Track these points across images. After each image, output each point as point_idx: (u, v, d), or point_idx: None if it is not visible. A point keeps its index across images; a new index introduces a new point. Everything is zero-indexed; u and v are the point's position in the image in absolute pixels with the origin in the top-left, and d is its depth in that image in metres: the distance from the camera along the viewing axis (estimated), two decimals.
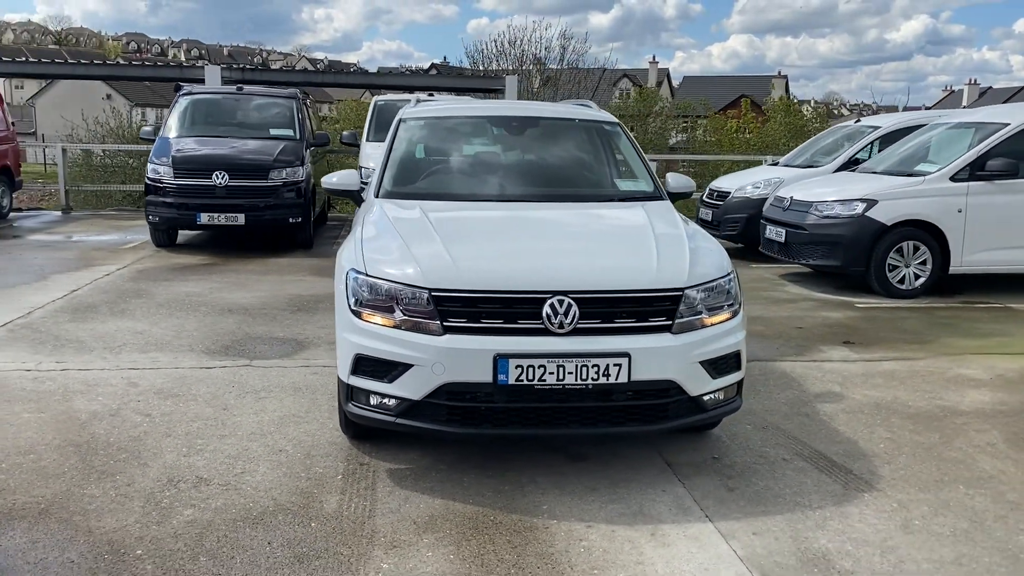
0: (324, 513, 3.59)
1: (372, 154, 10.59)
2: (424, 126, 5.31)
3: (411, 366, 3.67)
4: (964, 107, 37.18)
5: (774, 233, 9.14)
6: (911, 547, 3.40)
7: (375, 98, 13.47)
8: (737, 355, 4.01)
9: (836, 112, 65.04)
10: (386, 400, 3.76)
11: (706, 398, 3.93)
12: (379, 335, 3.74)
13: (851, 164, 10.56)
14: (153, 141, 11.17)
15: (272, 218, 10.34)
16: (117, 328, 6.55)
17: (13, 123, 14.45)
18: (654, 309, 3.78)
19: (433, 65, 42.25)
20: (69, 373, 5.38)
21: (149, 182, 10.48)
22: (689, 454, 4.31)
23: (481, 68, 24.87)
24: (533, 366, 3.59)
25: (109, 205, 16.07)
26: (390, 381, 3.72)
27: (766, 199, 9.91)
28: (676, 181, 5.23)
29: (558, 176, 5.06)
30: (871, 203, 8.33)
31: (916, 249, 8.35)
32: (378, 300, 3.79)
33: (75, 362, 5.62)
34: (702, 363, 3.83)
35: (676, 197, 5.27)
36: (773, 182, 10.69)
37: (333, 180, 5.05)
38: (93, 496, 3.70)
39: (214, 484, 3.85)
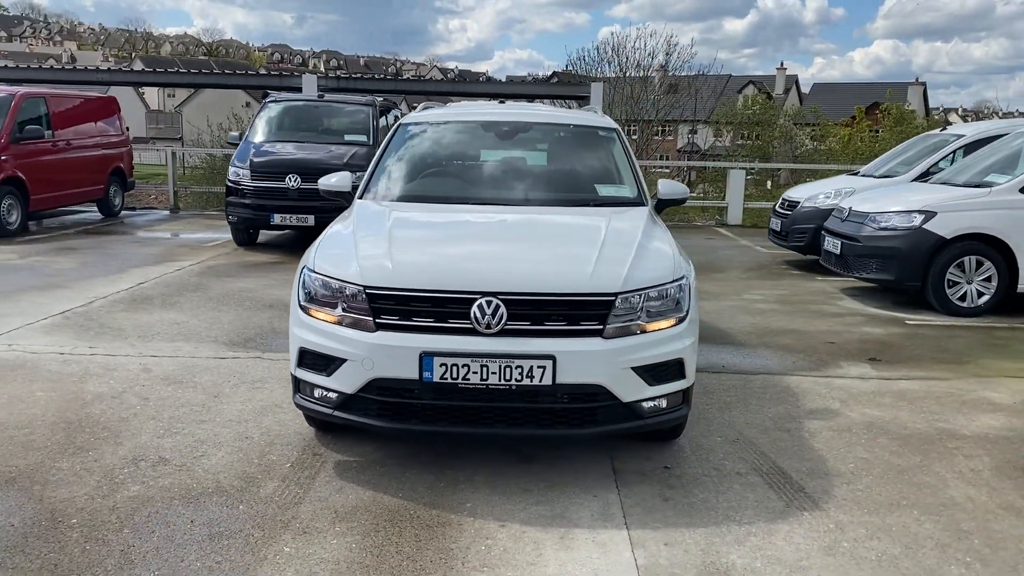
0: (257, 497, 3.77)
1: None
2: (419, 131, 5.45)
3: (345, 360, 3.81)
4: None
5: (831, 245, 8.80)
6: (825, 569, 3.27)
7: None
8: (679, 363, 3.95)
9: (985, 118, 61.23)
10: (326, 393, 3.91)
11: (645, 405, 3.89)
12: (320, 330, 3.90)
13: (930, 174, 10.03)
14: (237, 145, 11.81)
15: None
16: (159, 319, 7.00)
17: (127, 128, 15.53)
18: (585, 313, 3.78)
19: (555, 73, 42.64)
20: (95, 358, 5.80)
21: (230, 184, 11.10)
22: (641, 462, 4.26)
23: (582, 74, 24.92)
24: (457, 365, 3.66)
25: (214, 205, 17.03)
26: (328, 375, 3.87)
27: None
28: (666, 188, 5.17)
29: (539, 180, 5.10)
30: (929, 215, 7.91)
31: (979, 265, 7.86)
32: (324, 296, 3.94)
33: (105, 348, 6.05)
34: (635, 369, 3.80)
35: (667, 204, 5.21)
36: (844, 192, 10.27)
37: (332, 181, 5.25)
38: (60, 469, 4.01)
39: (171, 465, 4.10)
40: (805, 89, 69.99)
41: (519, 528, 3.55)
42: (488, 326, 3.69)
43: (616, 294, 3.80)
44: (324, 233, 4.44)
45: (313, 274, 4.02)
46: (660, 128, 49.90)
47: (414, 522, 3.58)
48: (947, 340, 7.00)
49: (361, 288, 3.82)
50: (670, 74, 34.41)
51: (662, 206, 5.22)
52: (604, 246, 4.10)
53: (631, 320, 3.84)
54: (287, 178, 10.65)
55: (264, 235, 11.92)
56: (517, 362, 3.65)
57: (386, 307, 3.79)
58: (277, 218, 10.75)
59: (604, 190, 5.02)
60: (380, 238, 4.18)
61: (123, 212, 15.08)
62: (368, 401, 3.82)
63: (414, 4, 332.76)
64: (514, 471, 4.11)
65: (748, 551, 3.40)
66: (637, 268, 3.96)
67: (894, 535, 3.56)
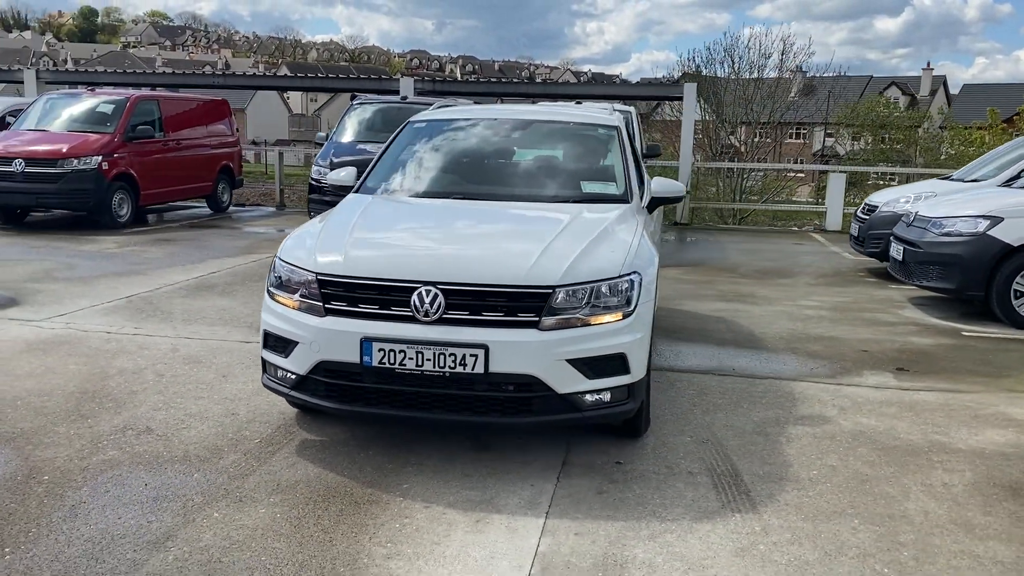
0: (215, 467, 4.04)
1: None
2: (424, 129, 5.63)
3: (297, 343, 4.03)
4: None
5: (895, 251, 8.42)
6: (726, 569, 3.23)
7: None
8: (621, 357, 3.95)
9: None
10: (285, 373, 4.14)
11: (586, 398, 3.92)
12: (281, 314, 4.14)
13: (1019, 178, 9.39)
14: (322, 145, 12.38)
15: None
16: (210, 305, 7.48)
17: (237, 129, 16.49)
18: (522, 304, 3.85)
19: (685, 74, 42.08)
20: (135, 337, 6.28)
21: (312, 182, 11.65)
22: (594, 456, 4.28)
23: (690, 75, 24.51)
24: (394, 350, 3.81)
25: None
26: (286, 356, 4.10)
27: None
28: (659, 186, 5.15)
29: (524, 177, 5.17)
30: (995, 220, 7.45)
31: None
32: (287, 283, 4.18)
33: (148, 329, 6.54)
34: (571, 361, 3.84)
35: (661, 202, 5.19)
36: (925, 196, 9.77)
37: (340, 175, 5.49)
38: (56, 432, 4.41)
39: (154, 434, 4.43)
40: (954, 90, 66.05)
41: (441, 510, 3.66)
42: (426, 314, 3.82)
43: (553, 287, 3.85)
44: (303, 224, 4.69)
45: (280, 261, 4.26)
46: (794, 130, 48.43)
47: (345, 499, 3.75)
48: (996, 353, 6.59)
49: (315, 275, 4.03)
50: (804, 75, 33.38)
51: (655, 204, 5.19)
52: (556, 240, 4.15)
53: (572, 313, 3.88)
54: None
55: None
56: (450, 350, 3.76)
57: (335, 294, 3.98)
58: None
59: (589, 187, 5.04)
60: (343, 229, 4.39)
61: (232, 208, 16.03)
62: (318, 383, 4.02)
63: (551, 8, 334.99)
64: (465, 458, 4.21)
65: (656, 547, 3.38)
66: (582, 262, 3.99)
67: (818, 542, 3.45)
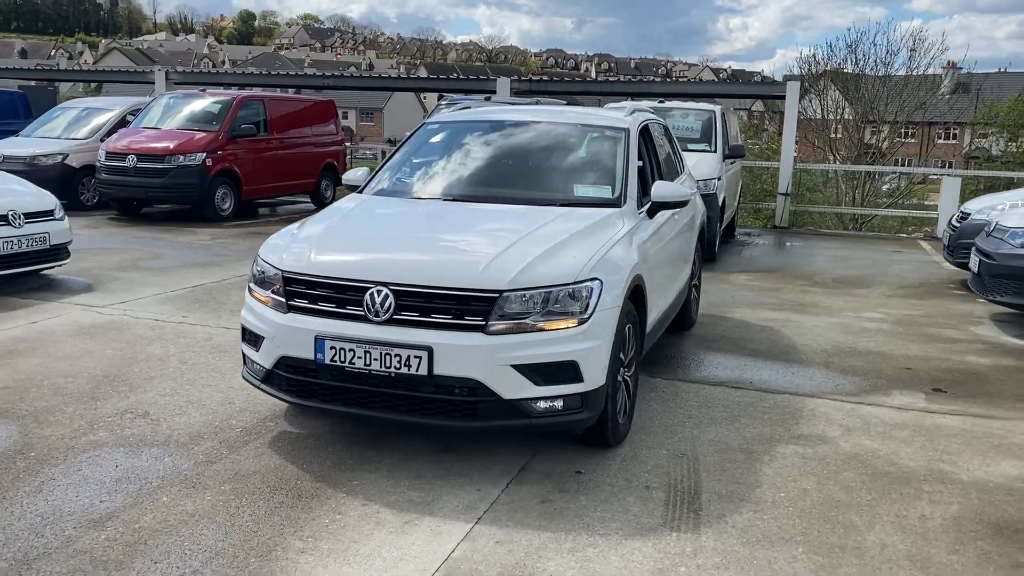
0: (188, 453, 4.24)
1: None
2: (436, 130, 5.68)
3: (263, 338, 4.17)
4: None
5: (973, 263, 7.84)
6: None
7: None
8: (572, 365, 3.88)
9: None
10: (256, 366, 4.30)
11: (535, 405, 3.88)
12: (254, 310, 4.29)
13: None
14: None
15: None
16: None
17: (343, 128, 17.08)
18: (470, 308, 3.84)
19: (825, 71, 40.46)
20: (178, 326, 6.64)
21: None
22: (557, 463, 4.22)
23: (804, 73, 23.51)
24: (344, 349, 3.89)
25: None
26: (256, 350, 4.25)
27: None
28: (660, 190, 5.00)
29: (516, 179, 5.12)
30: None
31: None
32: (263, 279, 4.33)
33: (194, 318, 6.90)
34: (518, 367, 3.80)
35: (663, 207, 5.05)
36: (1022, 204, 9.05)
37: (357, 175, 5.61)
38: (63, 412, 4.74)
39: (148, 419, 4.69)
40: None
41: (376, 509, 3.71)
42: (377, 314, 3.88)
43: (501, 291, 3.83)
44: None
45: (258, 258, 4.42)
46: (943, 130, 45.52)
47: (291, 491, 3.86)
48: None
49: (280, 273, 4.16)
50: (958, 70, 31.40)
51: (657, 208, 5.05)
52: (518, 244, 4.12)
53: (523, 318, 3.84)
54: None
55: None
56: (396, 351, 3.81)
57: (297, 291, 4.10)
58: None
59: (581, 190, 4.96)
60: (318, 228, 4.50)
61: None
62: (280, 377, 4.15)
63: (694, 4, 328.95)
64: (425, 458, 4.24)
65: (572, 561, 3.32)
66: (536, 267, 3.94)
67: (747, 569, 3.29)
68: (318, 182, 15.95)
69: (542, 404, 3.90)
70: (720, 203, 10.78)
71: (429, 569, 3.24)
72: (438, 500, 3.81)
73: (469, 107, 6.09)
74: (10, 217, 7.42)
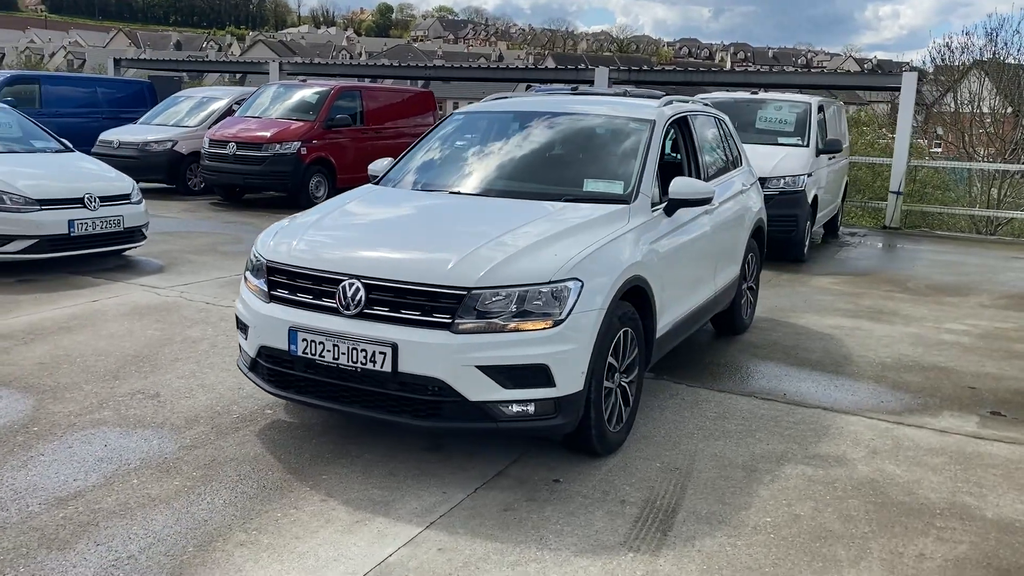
0: (177, 436, 4.30)
1: None
2: (461, 120, 5.54)
3: (249, 327, 4.18)
4: None
5: None
6: None
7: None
8: (543, 369, 3.69)
9: None
10: (244, 355, 4.32)
11: (503, 408, 3.72)
12: (244, 299, 4.31)
13: None
14: None
15: None
16: None
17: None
18: (439, 305, 3.72)
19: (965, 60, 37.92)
20: (225, 310, 6.80)
21: None
22: (536, 470, 4.04)
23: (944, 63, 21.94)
24: (315, 341, 3.84)
25: None
26: (246, 338, 4.27)
27: None
28: (679, 187, 4.71)
29: (527, 173, 4.92)
30: None
31: None
32: (255, 268, 4.34)
33: None
34: (483, 368, 3.65)
35: (682, 204, 4.77)
36: None
37: (382, 165, 5.55)
38: (80, 390, 4.91)
39: (156, 400, 4.79)
40: None
41: (333, 506, 3.64)
42: (348, 307, 3.81)
43: (469, 289, 3.68)
44: None
45: (253, 248, 4.44)
46: None
47: (257, 482, 3.84)
48: None
49: (264, 262, 4.16)
50: None
51: (675, 207, 4.77)
52: (497, 239, 3.96)
53: (492, 317, 3.69)
54: None
55: None
56: (362, 345, 3.73)
57: (279, 281, 4.09)
58: None
59: (592, 185, 4.72)
60: (309, 219, 4.47)
61: None
62: (261, 366, 4.15)
63: None
64: (405, 456, 4.15)
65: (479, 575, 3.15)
66: (510, 265, 3.77)
67: None
68: None
69: (514, 408, 3.73)
70: (810, 201, 10.19)
71: (358, 572, 3.14)
72: (399, 500, 3.71)
73: (507, 97, 5.92)
74: (86, 200, 7.80)
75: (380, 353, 3.69)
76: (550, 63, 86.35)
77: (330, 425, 4.48)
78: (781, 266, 9.85)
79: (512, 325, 3.69)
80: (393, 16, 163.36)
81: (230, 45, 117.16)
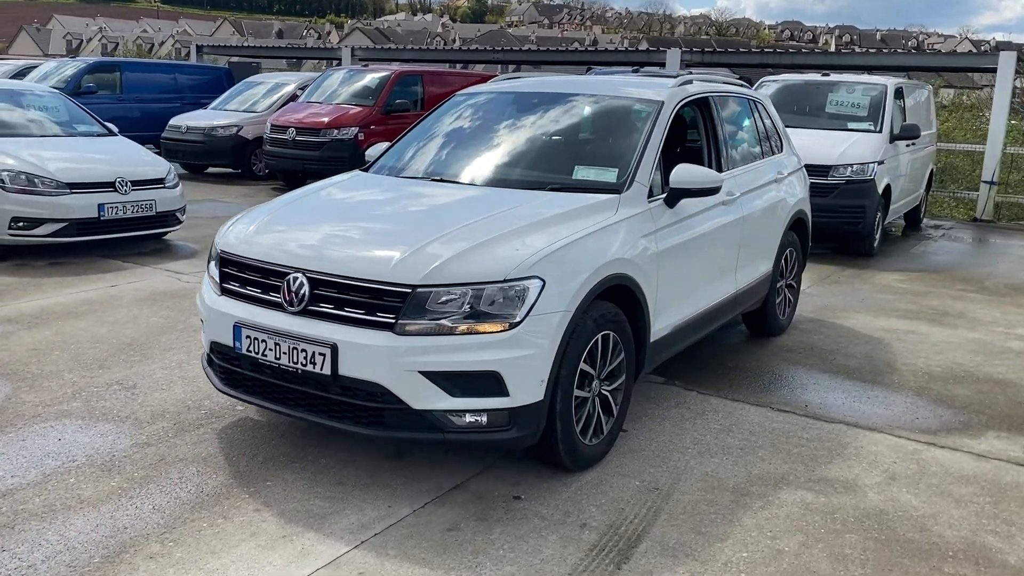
0: (136, 433, 4.12)
1: None
2: (462, 102, 5.18)
3: (203, 321, 3.96)
4: None
5: None
6: None
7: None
8: (494, 376, 3.33)
9: None
10: (203, 349, 4.10)
11: (452, 418, 3.39)
12: (202, 290, 4.09)
13: None
14: None
15: None
16: None
17: None
18: (383, 303, 3.40)
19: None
20: None
21: None
22: (498, 484, 3.70)
23: None
24: (258, 339, 3.59)
25: None
26: (203, 332, 4.05)
27: None
28: (680, 175, 4.25)
29: (516, 159, 4.51)
30: None
31: None
32: (212, 258, 4.11)
33: None
34: (428, 374, 3.32)
35: (684, 194, 4.31)
36: None
37: (375, 150, 5.24)
38: (60, 379, 4.80)
39: (131, 392, 4.63)
40: None
41: (264, 517, 3.38)
42: (292, 303, 3.54)
43: (414, 287, 3.35)
44: None
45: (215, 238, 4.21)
46: None
47: (196, 487, 3.61)
48: None
49: (218, 252, 3.92)
50: None
51: (677, 196, 4.31)
52: (455, 232, 3.61)
53: (440, 318, 3.35)
54: None
55: None
56: (303, 345, 3.45)
57: (230, 273, 3.84)
58: None
59: (583, 172, 4.30)
60: (271, 206, 4.21)
61: None
62: (215, 363, 3.92)
63: None
64: (363, 463, 3.86)
65: None
66: (462, 261, 3.42)
67: None
68: None
69: (466, 418, 3.39)
70: (881, 191, 9.44)
71: None
72: (338, 513, 3.42)
73: (517, 77, 5.54)
74: (117, 184, 7.79)
75: (320, 354, 3.40)
76: (644, 46, 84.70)
77: (295, 425, 4.23)
78: (846, 261, 9.17)
79: (462, 327, 3.34)
80: (489, 2, 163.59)
81: (328, 33, 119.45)
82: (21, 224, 7.34)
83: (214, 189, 13.45)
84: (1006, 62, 12.90)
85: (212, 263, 4.09)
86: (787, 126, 10.18)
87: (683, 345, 4.71)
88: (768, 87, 10.97)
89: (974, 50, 53.67)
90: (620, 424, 4.08)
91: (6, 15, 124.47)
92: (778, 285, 5.94)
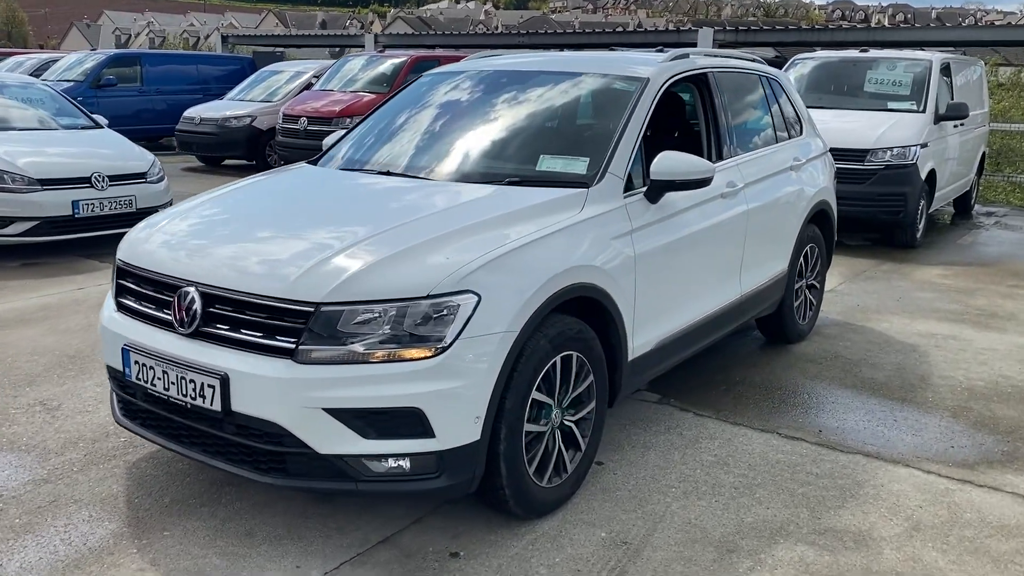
0: (38, 465, 3.61)
1: None
2: (426, 83, 4.57)
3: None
4: None
5: None
6: None
7: None
8: (414, 413, 2.74)
9: None
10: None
11: (369, 464, 2.81)
12: (103, 307, 3.54)
13: None
14: None
15: None
16: None
17: None
18: (284, 325, 2.82)
19: None
20: None
21: None
22: (435, 537, 3.11)
23: None
24: (146, 365, 3.04)
25: None
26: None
27: None
28: (662, 165, 3.59)
29: (476, 148, 3.87)
30: None
31: None
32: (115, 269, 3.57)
33: None
34: (335, 411, 2.74)
35: (668, 187, 3.65)
36: None
37: (329, 139, 4.69)
38: None
39: (53, 414, 4.13)
40: None
41: (142, 570, 2.84)
42: (183, 323, 2.98)
43: (317, 305, 2.76)
44: None
45: None
46: None
47: (80, 538, 3.09)
48: None
49: (118, 261, 3.39)
50: None
51: (660, 190, 3.66)
52: (379, 236, 3.02)
53: (351, 342, 2.76)
54: None
55: None
56: (191, 375, 2.89)
57: (124, 284, 3.31)
58: None
59: (548, 163, 3.66)
60: (191, 206, 3.65)
61: None
62: (112, 388, 3.40)
63: None
64: (282, 509, 3.30)
65: None
66: (377, 273, 2.83)
67: None
68: None
69: (388, 463, 2.81)
70: (924, 176, 8.61)
71: None
72: (225, 571, 2.86)
73: (498, 54, 4.90)
74: (93, 179, 7.34)
75: (209, 386, 2.84)
76: (706, 33, 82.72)
77: None
78: (886, 253, 8.39)
79: (379, 354, 2.75)
80: None
81: (371, 23, 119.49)
82: None
83: (226, 182, 13.03)
84: None
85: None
86: (822, 107, 9.54)
87: (675, 361, 4.07)
88: (802, 65, 10.17)
89: None
90: (591, 458, 3.46)
91: (60, 11, 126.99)
92: (796, 286, 5.24)
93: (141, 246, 3.31)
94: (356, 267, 2.83)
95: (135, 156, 7.94)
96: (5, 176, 6.99)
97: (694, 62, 4.35)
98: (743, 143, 4.59)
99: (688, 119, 4.88)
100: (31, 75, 18.06)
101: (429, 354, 2.75)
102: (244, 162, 14.50)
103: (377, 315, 2.76)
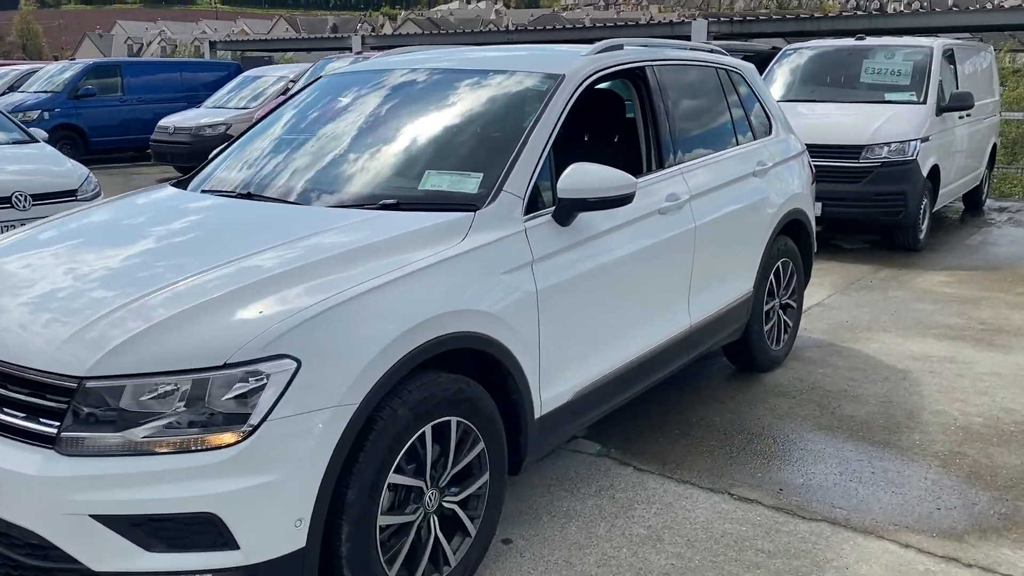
0: None
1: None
2: (323, 87, 3.92)
3: None
4: None
5: None
6: None
7: None
8: (209, 520, 2.12)
9: None
10: None
11: None
12: None
13: None
14: None
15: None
16: None
17: None
18: (44, 404, 2.21)
19: None
20: None
21: None
22: None
23: None
24: None
25: None
26: None
27: None
28: (569, 180, 2.94)
29: (348, 165, 3.22)
30: None
31: None
32: None
33: None
34: (105, 519, 2.12)
35: (580, 206, 3.00)
36: None
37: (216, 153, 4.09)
38: None
39: None
40: None
41: None
42: None
43: (81, 379, 2.14)
44: None
45: None
46: None
47: None
48: None
49: None
50: None
51: (569, 210, 3.01)
52: (181, 282, 2.40)
53: (126, 426, 2.14)
54: None
55: None
56: None
57: None
58: None
59: (434, 180, 3.01)
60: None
61: None
62: None
63: None
64: None
65: None
66: (163, 336, 2.21)
67: None
68: None
69: None
70: (926, 173, 7.89)
71: None
72: None
73: (413, 51, 4.26)
74: (14, 199, 6.76)
75: None
76: (700, 24, 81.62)
77: None
78: (885, 258, 7.70)
79: (161, 443, 2.13)
80: None
81: (382, 25, 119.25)
82: None
83: None
84: None
85: None
86: (815, 100, 8.85)
87: (605, 410, 3.41)
88: (796, 56, 9.47)
89: None
90: (485, 544, 2.82)
91: (74, 23, 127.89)
92: (767, 308, 4.57)
93: None
94: (136, 329, 2.20)
95: (64, 173, 7.35)
96: None
97: (626, 55, 3.69)
98: (691, 148, 3.93)
99: (632, 123, 4.22)
100: (10, 87, 17.76)
101: (229, 441, 2.12)
102: None
103: (159, 392, 2.13)
